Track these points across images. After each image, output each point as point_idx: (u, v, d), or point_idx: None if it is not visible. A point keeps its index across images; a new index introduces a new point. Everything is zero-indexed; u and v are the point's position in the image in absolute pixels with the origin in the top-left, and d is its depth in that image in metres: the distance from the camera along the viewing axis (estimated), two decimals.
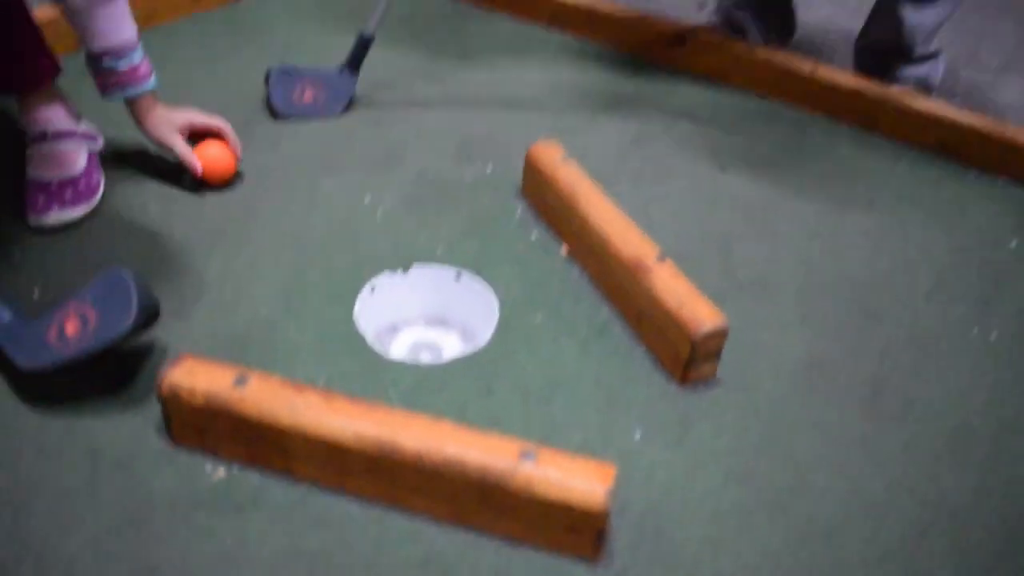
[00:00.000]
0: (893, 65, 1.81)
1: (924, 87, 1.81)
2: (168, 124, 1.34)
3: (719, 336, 1.08)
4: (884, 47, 1.81)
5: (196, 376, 0.94)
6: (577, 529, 0.87)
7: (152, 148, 1.43)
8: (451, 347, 1.23)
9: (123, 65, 1.24)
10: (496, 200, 1.42)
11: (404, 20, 1.98)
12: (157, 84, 1.30)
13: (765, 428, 1.06)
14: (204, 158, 1.37)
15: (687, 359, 1.08)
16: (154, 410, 0.99)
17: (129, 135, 1.46)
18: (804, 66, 1.76)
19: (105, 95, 1.27)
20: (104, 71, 1.24)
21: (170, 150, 1.35)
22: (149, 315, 1.00)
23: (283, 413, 0.91)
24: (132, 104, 1.30)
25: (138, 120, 1.32)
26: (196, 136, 1.39)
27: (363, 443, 0.89)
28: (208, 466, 0.96)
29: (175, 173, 1.40)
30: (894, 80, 1.79)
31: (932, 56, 1.81)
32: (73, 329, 0.97)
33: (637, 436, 1.04)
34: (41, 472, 0.94)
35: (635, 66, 1.90)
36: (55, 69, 1.33)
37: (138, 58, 1.25)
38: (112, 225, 1.30)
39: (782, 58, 1.79)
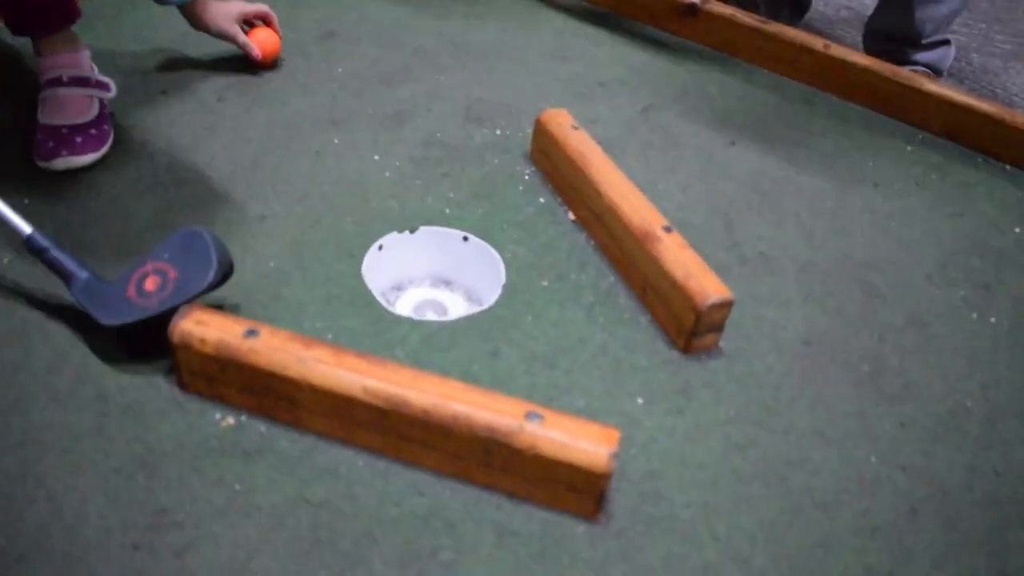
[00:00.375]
0: (903, 50, 1.81)
1: (933, 71, 1.82)
2: (226, 17, 1.48)
3: (724, 308, 1.09)
4: (894, 33, 1.81)
5: (207, 326, 0.95)
6: (579, 489, 0.89)
7: (159, 97, 1.43)
8: (456, 308, 1.24)
9: None
10: (504, 164, 1.42)
11: None
12: None
13: (765, 400, 1.08)
14: (257, 42, 1.54)
15: (691, 329, 1.09)
16: (163, 358, 1.01)
17: (140, 85, 1.46)
18: (816, 43, 1.76)
19: (164, 2, 1.34)
20: None
21: (231, 40, 1.51)
22: (226, 271, 1.02)
23: (293, 366, 0.92)
24: (189, 7, 1.41)
25: (197, 19, 1.46)
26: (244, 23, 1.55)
27: (372, 397, 0.90)
28: (217, 414, 0.97)
29: (196, 102, 1.42)
30: (903, 63, 1.79)
31: (942, 43, 1.81)
32: (153, 285, 0.99)
33: (639, 402, 1.05)
34: (51, 415, 0.95)
35: (645, 34, 1.89)
36: (75, 13, 1.32)
37: None
38: (119, 175, 1.30)
39: (794, 34, 1.78)
